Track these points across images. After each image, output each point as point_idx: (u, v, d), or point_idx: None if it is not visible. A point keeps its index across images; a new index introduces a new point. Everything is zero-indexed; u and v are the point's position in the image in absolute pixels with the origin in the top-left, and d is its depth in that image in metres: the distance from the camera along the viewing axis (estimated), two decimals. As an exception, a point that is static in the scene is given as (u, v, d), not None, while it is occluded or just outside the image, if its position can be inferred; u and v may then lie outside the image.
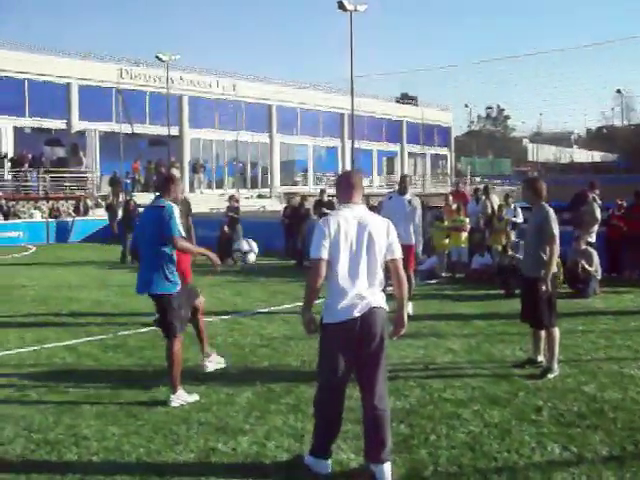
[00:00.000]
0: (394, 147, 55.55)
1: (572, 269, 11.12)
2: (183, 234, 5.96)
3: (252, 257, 16.54)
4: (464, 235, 13.89)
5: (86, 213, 27.65)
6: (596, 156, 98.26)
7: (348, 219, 4.17)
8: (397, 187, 10.34)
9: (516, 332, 8.34)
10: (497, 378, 6.31)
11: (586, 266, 10.90)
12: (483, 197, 15.66)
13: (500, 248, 13.38)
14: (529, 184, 6.58)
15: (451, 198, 14.85)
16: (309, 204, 18.38)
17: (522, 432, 4.91)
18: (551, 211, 6.44)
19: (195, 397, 5.77)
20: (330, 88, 47.51)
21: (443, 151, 60.67)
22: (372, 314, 4.10)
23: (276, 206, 37.06)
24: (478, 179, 66.32)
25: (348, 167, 50.48)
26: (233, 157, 42.95)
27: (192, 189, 37.93)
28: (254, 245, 16.59)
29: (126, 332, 8.65)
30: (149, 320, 9.10)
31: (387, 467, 4.13)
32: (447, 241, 14.28)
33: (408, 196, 9.92)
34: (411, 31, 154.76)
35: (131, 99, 36.02)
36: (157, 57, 34.41)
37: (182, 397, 5.71)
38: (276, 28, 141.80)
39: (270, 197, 39.60)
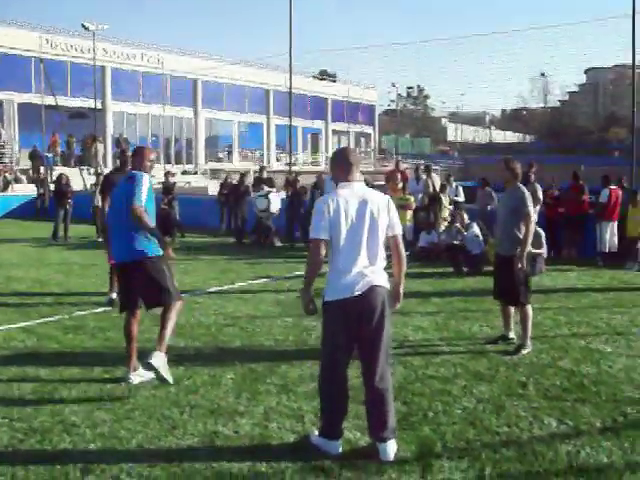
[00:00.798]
0: (319, 124, 55.54)
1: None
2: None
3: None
4: (409, 213, 14.06)
5: (6, 188, 26.33)
6: (513, 137, 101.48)
7: (347, 198, 4.15)
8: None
9: (475, 309, 8.60)
10: (474, 354, 6.46)
11: (532, 250, 11.19)
12: (424, 176, 15.90)
13: (444, 227, 13.65)
14: (507, 164, 6.68)
15: (399, 176, 14.97)
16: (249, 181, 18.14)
17: (515, 407, 5.03)
18: (526, 191, 6.59)
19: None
20: (257, 64, 46.96)
21: (367, 129, 61.15)
22: (373, 292, 4.11)
23: (201, 182, 36.46)
24: (400, 157, 67.38)
25: (273, 144, 50.35)
26: (157, 132, 41.84)
27: (115, 164, 36.70)
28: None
29: (81, 312, 8.31)
30: (102, 300, 8.85)
31: (390, 445, 4.15)
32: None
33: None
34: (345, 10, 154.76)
35: (52, 69, 34.37)
36: (83, 26, 32.72)
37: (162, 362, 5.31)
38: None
39: (195, 173, 38.86)
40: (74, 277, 11.18)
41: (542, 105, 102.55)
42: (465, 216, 12.23)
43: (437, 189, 15.83)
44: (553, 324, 7.73)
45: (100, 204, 16.87)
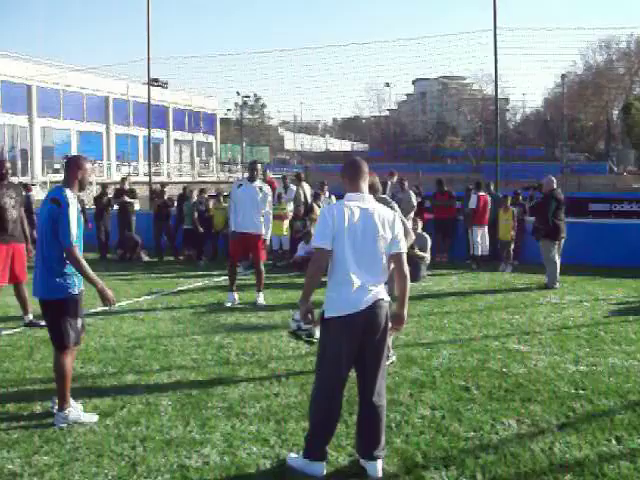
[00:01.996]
0: (160, 133, 54.06)
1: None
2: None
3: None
4: (286, 223, 13.99)
5: None
6: (347, 145, 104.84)
7: (353, 209, 4.00)
8: (247, 174, 9.99)
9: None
10: (402, 362, 6.49)
11: (418, 252, 11.58)
12: (292, 185, 15.88)
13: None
14: None
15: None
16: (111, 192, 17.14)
17: (470, 411, 5.11)
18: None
19: (95, 417, 5.02)
20: (97, 71, 44.78)
21: (209, 138, 60.43)
22: (377, 307, 3.98)
23: (40, 195, 34.02)
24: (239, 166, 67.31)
25: (113, 154, 48.28)
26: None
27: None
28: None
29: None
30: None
31: (380, 463, 4.07)
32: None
33: (258, 183, 9.71)
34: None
35: None
36: None
37: (74, 415, 4.93)
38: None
39: (34, 185, 36.20)
40: None
41: (374, 114, 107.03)
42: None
43: (308, 197, 15.95)
44: (462, 327, 7.99)
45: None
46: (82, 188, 5.18)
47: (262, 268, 9.77)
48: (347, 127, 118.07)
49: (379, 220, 4.04)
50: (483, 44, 17.79)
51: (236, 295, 9.72)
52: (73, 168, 5.11)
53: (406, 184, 13.78)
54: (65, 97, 43.78)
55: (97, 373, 6.22)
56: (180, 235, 15.48)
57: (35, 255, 5.21)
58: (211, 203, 15.41)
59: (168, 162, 52.90)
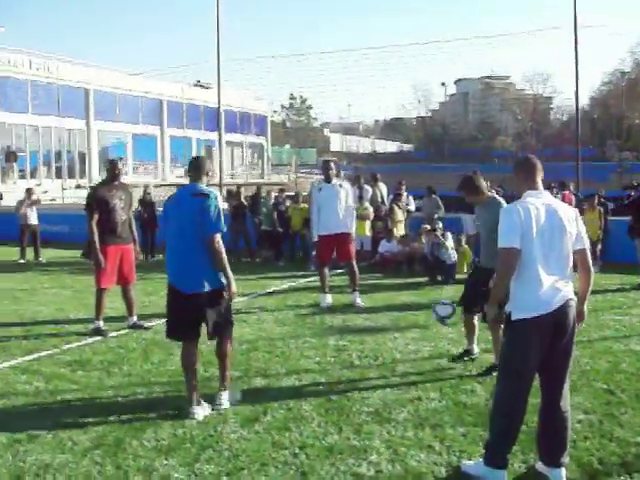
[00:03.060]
0: (212, 135, 54.43)
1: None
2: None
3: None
4: (368, 223, 13.85)
5: None
6: (393, 146, 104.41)
7: (538, 206, 3.86)
8: (322, 175, 9.87)
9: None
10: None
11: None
12: (367, 186, 15.73)
13: (400, 236, 13.55)
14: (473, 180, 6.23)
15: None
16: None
17: (625, 415, 4.94)
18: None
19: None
20: (150, 75, 45.45)
21: (260, 140, 60.63)
22: (567, 306, 3.85)
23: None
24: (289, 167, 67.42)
25: (167, 156, 48.80)
26: (48, 144, 39.38)
27: (4, 179, 34.27)
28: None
29: (70, 345, 7.38)
30: (82, 329, 8.01)
31: (564, 470, 3.92)
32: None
33: (336, 181, 9.64)
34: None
35: None
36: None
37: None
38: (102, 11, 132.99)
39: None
40: (29, 304, 10.04)
41: (417, 115, 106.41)
42: (440, 225, 12.18)
43: (384, 198, 15.78)
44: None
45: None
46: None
47: (356, 267, 9.65)
48: (389, 128, 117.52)
49: (563, 216, 3.91)
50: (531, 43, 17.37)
51: (330, 297, 9.61)
52: (202, 166, 5.30)
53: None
54: (120, 100, 44.36)
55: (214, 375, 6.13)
56: (255, 236, 15.43)
57: (178, 251, 5.17)
58: (288, 203, 15.35)
59: (219, 164, 53.05)
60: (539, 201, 3.90)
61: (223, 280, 5.10)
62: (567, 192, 13.29)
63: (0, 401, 5.58)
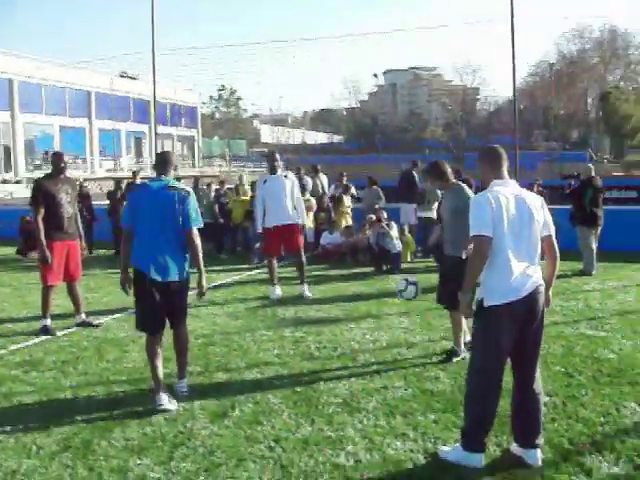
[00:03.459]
0: (142, 127, 53.36)
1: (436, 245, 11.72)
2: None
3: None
4: (310, 215, 13.83)
5: None
6: (323, 137, 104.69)
7: (507, 195, 3.97)
8: (267, 167, 9.86)
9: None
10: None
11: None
12: (307, 177, 15.76)
13: (343, 228, 13.61)
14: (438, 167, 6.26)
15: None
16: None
17: (586, 397, 5.13)
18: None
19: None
20: (78, 66, 43.95)
21: (191, 132, 59.78)
22: (537, 292, 3.97)
23: (24, 192, 33.48)
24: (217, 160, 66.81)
25: (96, 149, 47.54)
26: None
27: None
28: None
29: (17, 345, 7.11)
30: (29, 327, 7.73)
31: (539, 451, 4.06)
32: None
33: (280, 172, 9.66)
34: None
35: None
36: None
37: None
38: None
39: (19, 182, 35.55)
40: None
41: (345, 107, 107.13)
42: (385, 216, 12.27)
43: (325, 188, 15.84)
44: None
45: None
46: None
47: (304, 258, 9.67)
48: (319, 120, 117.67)
49: (531, 204, 4.03)
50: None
51: (279, 289, 9.59)
52: (169, 161, 5.45)
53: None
54: (47, 92, 42.86)
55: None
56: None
57: (154, 241, 5.20)
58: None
59: (150, 157, 52.11)
60: (507, 190, 4.01)
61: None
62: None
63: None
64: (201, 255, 5.26)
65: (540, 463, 4.00)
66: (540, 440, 4.06)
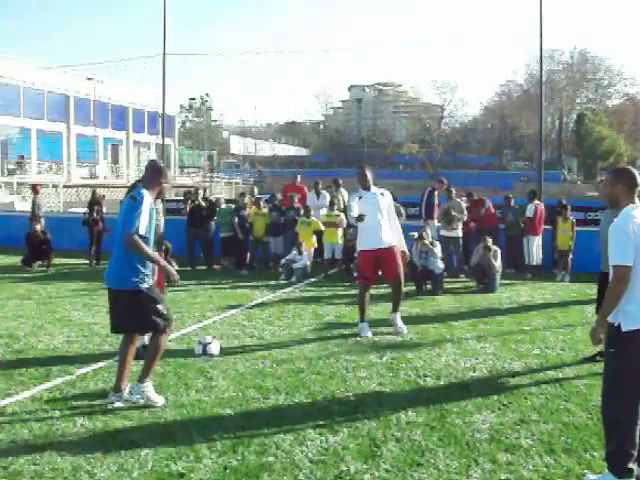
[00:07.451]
0: (120, 134, 52.44)
1: (479, 265, 11.57)
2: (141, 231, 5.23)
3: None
4: (340, 231, 13.52)
5: None
6: (292, 150, 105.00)
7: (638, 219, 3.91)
8: (359, 182, 8.43)
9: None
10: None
11: (494, 262, 11.43)
12: (324, 192, 15.43)
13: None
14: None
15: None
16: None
17: None
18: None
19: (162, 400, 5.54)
20: (58, 69, 42.95)
21: (167, 141, 58.86)
22: None
23: (4, 197, 32.58)
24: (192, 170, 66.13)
25: (73, 154, 46.50)
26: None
27: None
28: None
29: (74, 374, 6.50)
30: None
31: None
32: (314, 238, 13.86)
33: (376, 189, 8.43)
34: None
35: None
36: None
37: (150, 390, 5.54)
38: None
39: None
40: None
41: (311, 120, 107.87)
42: (430, 233, 12.01)
43: (347, 203, 15.51)
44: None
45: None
46: (160, 194, 5.60)
47: (403, 287, 8.53)
48: (283, 132, 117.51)
49: None
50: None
51: (369, 330, 8.28)
52: (157, 174, 5.47)
53: (454, 192, 13.65)
54: (25, 94, 41.75)
55: (285, 403, 5.70)
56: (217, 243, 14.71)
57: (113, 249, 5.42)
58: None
59: (127, 164, 51.35)
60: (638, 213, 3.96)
61: (145, 284, 5.32)
62: (538, 202, 13.56)
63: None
64: (147, 251, 5.21)
65: None
66: None
